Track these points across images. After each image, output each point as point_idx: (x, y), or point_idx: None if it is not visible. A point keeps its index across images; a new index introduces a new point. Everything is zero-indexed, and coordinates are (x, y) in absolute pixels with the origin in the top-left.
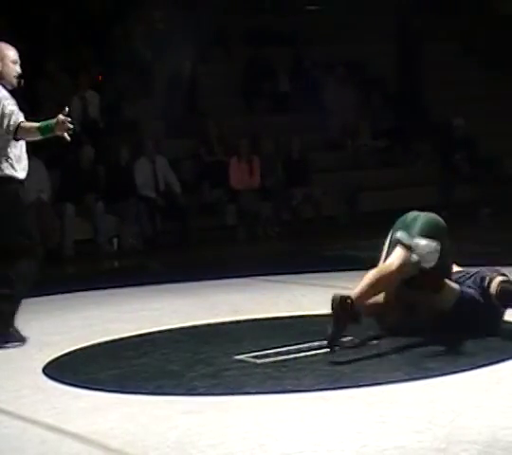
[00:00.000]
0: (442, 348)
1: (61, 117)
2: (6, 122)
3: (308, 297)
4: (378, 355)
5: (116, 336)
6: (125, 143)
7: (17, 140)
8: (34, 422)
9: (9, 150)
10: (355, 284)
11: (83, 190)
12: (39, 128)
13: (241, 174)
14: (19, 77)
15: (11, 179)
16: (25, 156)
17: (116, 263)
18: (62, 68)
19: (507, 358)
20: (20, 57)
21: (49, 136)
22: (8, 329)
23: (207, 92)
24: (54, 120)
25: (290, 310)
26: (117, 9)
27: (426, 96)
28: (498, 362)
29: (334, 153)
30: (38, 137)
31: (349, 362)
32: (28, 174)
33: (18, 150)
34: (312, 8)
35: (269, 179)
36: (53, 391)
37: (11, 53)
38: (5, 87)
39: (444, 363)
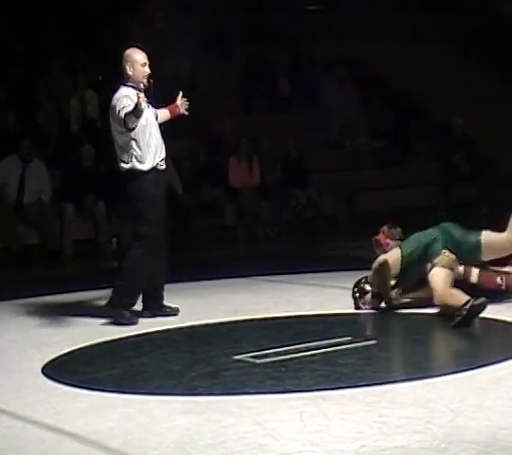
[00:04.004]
0: (441, 348)
1: (138, 94)
2: (119, 117)
3: (308, 297)
4: (377, 356)
5: (115, 337)
6: None
7: (130, 130)
8: (33, 422)
9: (133, 143)
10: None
11: (84, 190)
12: (132, 111)
13: (240, 173)
14: (149, 77)
15: (136, 172)
16: (153, 148)
17: (115, 263)
18: (62, 68)
19: (506, 358)
20: (20, 57)
21: (140, 114)
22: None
23: (206, 92)
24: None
25: (290, 310)
26: (116, 8)
27: (426, 96)
28: (497, 362)
29: (333, 152)
30: (138, 119)
31: (348, 362)
32: (29, 175)
33: (145, 143)
34: (312, 7)
35: (268, 179)
36: (52, 390)
37: (140, 57)
38: (135, 87)
39: (443, 363)
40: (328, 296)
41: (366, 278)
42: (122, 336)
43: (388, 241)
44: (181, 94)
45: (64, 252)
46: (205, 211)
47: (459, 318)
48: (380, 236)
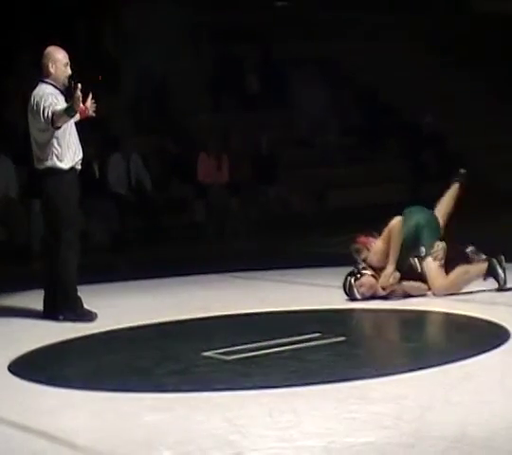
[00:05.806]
0: (410, 344)
1: (76, 94)
2: (45, 114)
3: (278, 293)
4: (347, 352)
5: (83, 333)
6: (93, 140)
7: (57, 129)
8: (0, 419)
9: (54, 141)
10: (323, 281)
11: None
12: (65, 110)
13: (209, 169)
14: (69, 77)
15: (56, 170)
16: (73, 147)
17: (83, 260)
18: (29, 63)
19: (475, 354)
20: None
21: (74, 114)
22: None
23: (176, 89)
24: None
25: (259, 307)
26: (86, 6)
27: (395, 93)
28: (466, 358)
29: (302, 150)
30: (70, 118)
31: (318, 359)
32: None
33: (65, 141)
34: (280, 4)
35: (238, 176)
36: (19, 388)
37: (62, 56)
38: (56, 86)
39: (412, 359)
40: (298, 292)
41: (358, 268)
42: (90, 333)
43: (370, 238)
44: (91, 96)
45: (32, 249)
46: (174, 208)
47: (501, 277)
48: (361, 239)
